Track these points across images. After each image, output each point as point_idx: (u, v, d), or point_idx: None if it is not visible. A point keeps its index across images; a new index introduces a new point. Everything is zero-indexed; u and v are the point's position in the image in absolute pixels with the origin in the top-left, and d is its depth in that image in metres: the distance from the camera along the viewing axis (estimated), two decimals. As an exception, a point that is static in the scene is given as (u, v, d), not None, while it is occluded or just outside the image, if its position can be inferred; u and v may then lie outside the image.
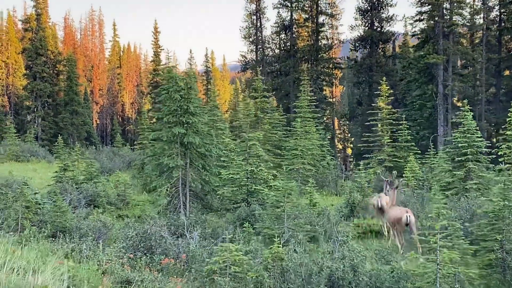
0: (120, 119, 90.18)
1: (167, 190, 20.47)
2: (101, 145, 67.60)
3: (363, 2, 58.96)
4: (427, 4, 46.50)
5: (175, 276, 12.88)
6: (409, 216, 16.75)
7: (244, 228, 16.26)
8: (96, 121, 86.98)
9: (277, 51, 63.98)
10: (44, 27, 62.45)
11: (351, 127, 72.32)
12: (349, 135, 76.00)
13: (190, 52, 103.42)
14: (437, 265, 10.41)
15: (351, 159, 64.34)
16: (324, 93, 61.53)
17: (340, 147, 74.99)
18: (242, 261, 11.52)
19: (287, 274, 11.71)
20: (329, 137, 48.75)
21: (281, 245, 12.19)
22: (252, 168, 21.73)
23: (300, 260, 11.75)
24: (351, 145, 74.51)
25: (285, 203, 16.38)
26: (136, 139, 66.75)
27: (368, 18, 58.83)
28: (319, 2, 61.07)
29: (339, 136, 75.14)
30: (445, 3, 45.76)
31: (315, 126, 37.81)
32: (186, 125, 20.30)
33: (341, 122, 76.56)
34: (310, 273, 11.51)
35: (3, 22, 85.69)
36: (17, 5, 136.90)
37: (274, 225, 16.36)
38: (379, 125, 38.73)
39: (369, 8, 58.64)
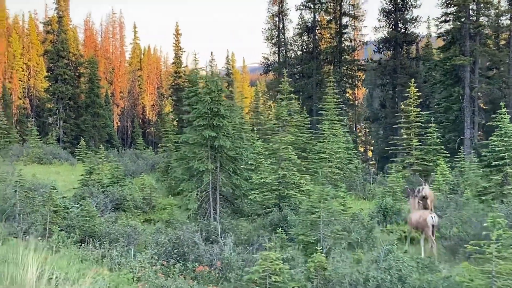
0: (140, 121, 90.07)
1: (197, 194, 19.98)
2: (122, 147, 67.45)
3: (387, 4, 58.19)
4: (453, 5, 45.65)
5: (210, 285, 12.45)
6: (434, 216, 16.64)
7: (277, 234, 15.76)
8: (117, 123, 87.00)
9: (299, 53, 63.32)
10: (65, 29, 62.53)
11: (372, 129, 71.52)
12: (369, 137, 75.17)
13: (212, 54, 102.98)
14: (492, 277, 9.83)
15: (373, 162, 63.53)
16: (346, 95, 60.76)
17: (362, 150, 74.04)
18: (282, 270, 10.99)
19: (330, 284, 11.19)
20: (352, 140, 48.00)
21: (323, 253, 11.67)
22: (285, 173, 21.11)
23: (345, 270, 11.18)
24: (372, 148, 73.70)
25: (321, 209, 15.76)
26: (157, 141, 66.57)
27: (392, 19, 58.05)
28: (342, 3, 60.46)
29: (362, 138, 74.25)
30: (472, 4, 44.92)
31: (341, 129, 37.16)
32: (216, 128, 19.82)
33: (362, 124, 75.61)
34: (355, 284, 10.93)
35: (24, 25, 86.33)
36: (38, 8, 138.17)
37: (309, 231, 15.78)
38: (404, 128, 37.97)
39: (393, 9, 57.87)
